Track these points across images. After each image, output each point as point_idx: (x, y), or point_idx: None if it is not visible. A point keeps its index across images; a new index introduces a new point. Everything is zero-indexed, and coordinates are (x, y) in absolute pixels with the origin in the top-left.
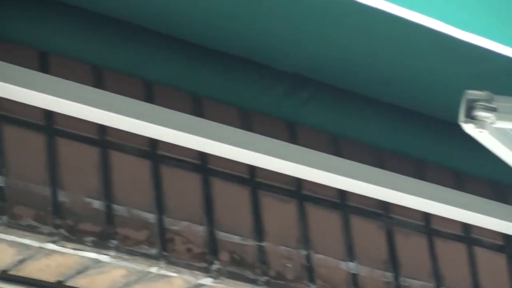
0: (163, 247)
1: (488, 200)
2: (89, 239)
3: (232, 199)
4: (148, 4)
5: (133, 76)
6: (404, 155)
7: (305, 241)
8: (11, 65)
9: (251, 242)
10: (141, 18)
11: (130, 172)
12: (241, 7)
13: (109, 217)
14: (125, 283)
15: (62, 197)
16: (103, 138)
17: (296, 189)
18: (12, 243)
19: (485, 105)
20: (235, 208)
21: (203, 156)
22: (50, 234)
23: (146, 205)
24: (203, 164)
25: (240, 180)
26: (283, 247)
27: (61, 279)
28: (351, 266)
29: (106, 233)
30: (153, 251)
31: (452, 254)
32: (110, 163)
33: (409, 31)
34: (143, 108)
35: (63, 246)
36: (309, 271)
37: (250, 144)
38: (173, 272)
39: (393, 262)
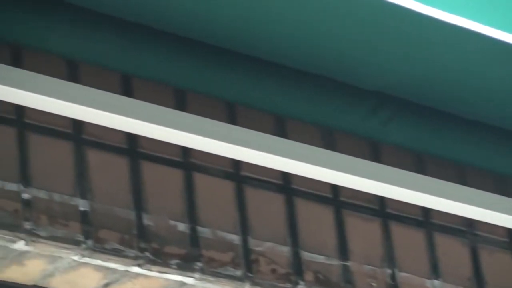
0: (248, 268)
1: None
2: (174, 261)
3: (316, 219)
4: (217, 21)
5: (215, 97)
6: (488, 171)
7: (390, 259)
8: (92, 88)
9: (335, 262)
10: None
11: (214, 193)
12: (323, 25)
13: (194, 239)
14: None
15: (147, 220)
16: (187, 161)
17: (380, 208)
18: (98, 267)
19: None
20: (319, 227)
21: (286, 176)
22: (136, 258)
23: (231, 227)
24: (286, 184)
25: (323, 200)
26: (368, 266)
27: None
28: (436, 284)
29: (191, 256)
30: (238, 272)
31: None
32: (194, 185)
33: (493, 47)
34: (227, 130)
35: (148, 270)
36: None
37: (334, 164)
38: None
39: (478, 280)
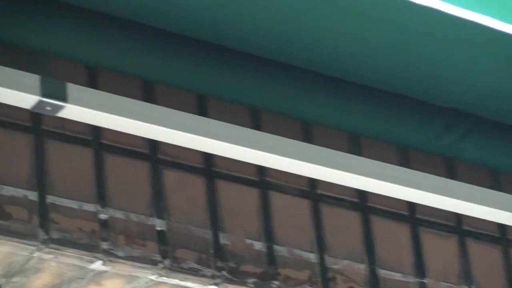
0: (325, 286)
1: None
2: (251, 280)
3: (392, 236)
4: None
5: (290, 116)
6: None
7: (466, 276)
8: (167, 108)
9: (412, 279)
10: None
11: (290, 212)
12: (398, 44)
13: (271, 257)
14: None
15: (224, 239)
16: (263, 179)
17: (456, 224)
18: (175, 287)
19: None
20: (395, 245)
21: (362, 194)
22: (213, 277)
23: (307, 245)
24: (362, 202)
25: (399, 217)
26: (445, 283)
27: None
28: None
29: (268, 274)
30: None
31: None
32: (270, 204)
33: None
34: (302, 149)
35: None
36: None
37: (409, 181)
38: None
39: None
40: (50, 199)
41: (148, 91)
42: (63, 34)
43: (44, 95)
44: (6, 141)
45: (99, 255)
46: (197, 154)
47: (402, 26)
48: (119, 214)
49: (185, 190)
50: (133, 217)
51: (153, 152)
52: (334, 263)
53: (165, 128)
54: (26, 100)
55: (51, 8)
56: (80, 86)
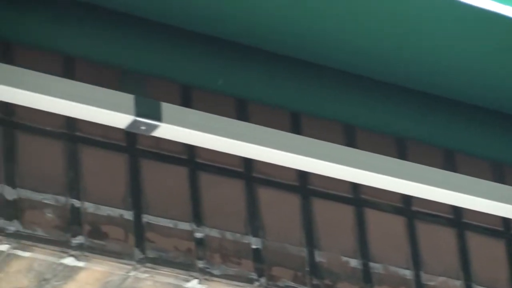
0: None
1: None
2: None
3: (488, 252)
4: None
5: (385, 133)
6: None
7: None
8: (263, 127)
9: None
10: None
11: (385, 229)
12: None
13: (366, 275)
14: None
15: (319, 257)
16: (357, 197)
17: None
18: None
19: None
20: (491, 261)
21: (457, 210)
22: None
23: (403, 262)
24: (457, 218)
25: (495, 233)
26: None
27: None
28: None
29: None
30: None
31: None
32: (365, 221)
33: None
34: (397, 166)
35: None
36: None
37: (505, 198)
38: None
39: None
40: (146, 218)
41: (241, 109)
42: (157, 53)
43: (138, 115)
44: (102, 161)
45: (195, 273)
46: (292, 172)
47: (401, 15)
48: (214, 233)
49: (280, 208)
50: (229, 235)
51: (248, 171)
52: (430, 280)
53: (259, 146)
54: (121, 119)
55: (144, 28)
56: (174, 105)
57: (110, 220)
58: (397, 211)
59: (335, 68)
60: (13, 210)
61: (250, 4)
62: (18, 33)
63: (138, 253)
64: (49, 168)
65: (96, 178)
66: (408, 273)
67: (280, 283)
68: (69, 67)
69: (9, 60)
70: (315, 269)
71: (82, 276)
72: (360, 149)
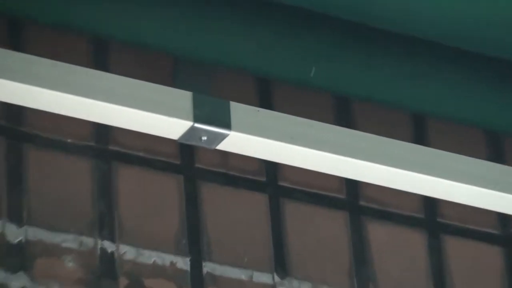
0: None
1: None
2: None
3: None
4: None
5: None
6: None
7: None
8: (372, 134)
9: None
10: None
11: None
12: None
13: None
14: None
15: None
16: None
17: None
18: None
19: None
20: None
21: None
22: None
23: None
24: None
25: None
26: None
27: None
28: None
29: None
30: None
31: None
32: None
33: None
34: None
35: None
36: None
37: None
38: None
39: None
40: (207, 267)
41: (343, 110)
42: (223, 37)
43: (198, 120)
44: (145, 186)
45: None
46: (415, 200)
47: None
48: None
49: (400, 249)
50: None
51: (353, 198)
52: None
53: (371, 163)
54: (173, 127)
55: (204, 4)
56: (248, 106)
57: (157, 270)
58: None
59: None
60: (18, 257)
61: None
62: (31, 6)
63: None
64: (70, 196)
65: (137, 210)
66: None
67: None
68: (100, 54)
69: (17, 44)
70: None
71: None
72: None
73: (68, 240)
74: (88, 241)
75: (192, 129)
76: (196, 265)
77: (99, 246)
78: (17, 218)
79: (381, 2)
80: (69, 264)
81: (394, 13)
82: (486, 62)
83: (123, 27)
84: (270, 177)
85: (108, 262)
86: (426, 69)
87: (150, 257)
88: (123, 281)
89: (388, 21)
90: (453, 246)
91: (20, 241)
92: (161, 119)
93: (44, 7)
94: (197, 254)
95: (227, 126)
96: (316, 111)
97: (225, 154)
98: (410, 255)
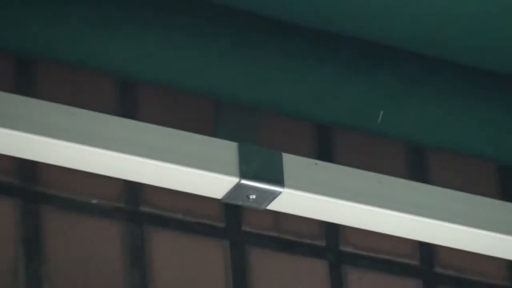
0: None
1: None
2: None
3: None
4: None
5: None
6: None
7: None
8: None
9: None
10: None
11: None
12: None
13: None
14: None
15: None
16: None
17: None
18: None
19: None
20: None
21: None
22: None
23: None
24: None
25: None
26: None
27: None
28: None
29: None
30: None
31: None
32: None
33: None
34: None
35: None
36: None
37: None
38: None
39: None
40: None
41: (418, 161)
42: (275, 77)
43: (244, 176)
44: (185, 254)
45: None
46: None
47: None
48: None
49: None
50: None
51: (427, 265)
52: None
53: (451, 225)
54: (216, 185)
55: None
56: (305, 159)
57: None
58: None
59: None
60: None
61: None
62: (49, 45)
63: None
64: (97, 266)
65: (175, 282)
66: None
67: None
68: (127, 98)
69: (30, 88)
70: None
71: None
72: None
73: None
74: None
75: (238, 186)
76: None
77: None
78: None
79: (454, 34)
80: None
81: (467, 49)
82: None
83: (154, 66)
84: (330, 242)
85: None
86: None
87: None
88: None
89: (461, 56)
90: None
91: None
92: (202, 175)
93: (60, 42)
94: None
95: (280, 182)
96: (386, 162)
97: (277, 215)
98: None
